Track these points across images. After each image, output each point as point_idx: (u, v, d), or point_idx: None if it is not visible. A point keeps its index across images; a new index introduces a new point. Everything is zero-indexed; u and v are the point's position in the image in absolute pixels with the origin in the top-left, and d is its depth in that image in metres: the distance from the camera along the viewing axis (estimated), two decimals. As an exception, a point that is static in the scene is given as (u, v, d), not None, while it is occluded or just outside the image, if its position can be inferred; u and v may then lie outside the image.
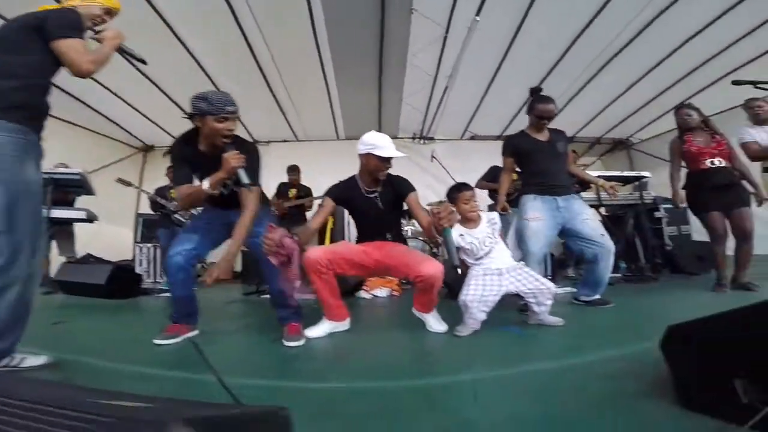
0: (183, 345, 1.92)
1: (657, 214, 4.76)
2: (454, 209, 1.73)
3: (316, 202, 4.78)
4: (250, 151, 1.97)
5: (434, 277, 1.95)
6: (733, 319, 0.90)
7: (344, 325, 2.17)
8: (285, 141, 7.05)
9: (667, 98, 5.66)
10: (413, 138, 7.01)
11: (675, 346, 1.03)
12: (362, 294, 3.55)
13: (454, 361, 1.61)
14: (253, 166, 1.94)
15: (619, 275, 4.01)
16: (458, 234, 2.05)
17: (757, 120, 3.01)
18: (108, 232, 6.33)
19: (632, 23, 4.34)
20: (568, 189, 2.60)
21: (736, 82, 2.39)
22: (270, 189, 5.15)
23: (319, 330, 2.07)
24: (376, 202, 2.23)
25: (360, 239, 2.34)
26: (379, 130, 6.94)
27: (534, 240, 2.48)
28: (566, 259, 4.93)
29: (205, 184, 1.86)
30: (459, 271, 1.78)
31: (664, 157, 6.24)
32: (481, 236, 2.06)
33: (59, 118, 5.47)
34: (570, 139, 7.04)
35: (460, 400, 1.15)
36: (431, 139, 6.97)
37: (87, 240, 5.58)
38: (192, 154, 1.99)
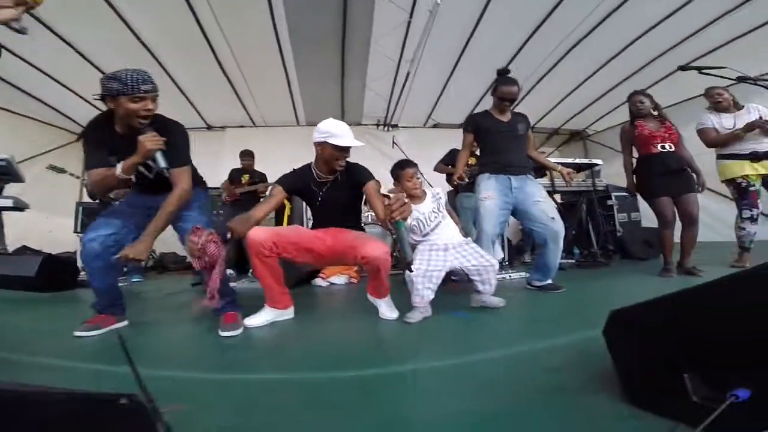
0: (108, 336, 1.78)
1: (609, 202, 4.96)
2: (407, 201, 1.64)
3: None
4: (173, 131, 1.85)
5: (378, 259, 1.88)
6: (679, 303, 0.81)
7: (288, 313, 2.07)
8: (241, 126, 6.75)
9: (621, 91, 5.84)
10: (377, 125, 6.94)
11: (618, 333, 0.94)
12: (318, 282, 3.44)
13: (399, 350, 1.54)
14: (178, 146, 1.85)
15: (572, 261, 4.13)
16: None
17: (717, 108, 3.13)
18: (50, 224, 5.90)
19: (589, 17, 4.43)
20: (523, 170, 2.62)
21: (682, 68, 2.45)
22: (224, 176, 4.96)
23: (260, 318, 1.95)
24: (332, 191, 2.13)
25: (315, 227, 2.22)
26: (342, 117, 6.92)
27: (486, 219, 2.49)
28: (523, 245, 5.04)
29: (118, 169, 1.72)
30: (412, 268, 1.70)
31: (616, 148, 6.58)
32: (427, 211, 2.04)
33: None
34: (531, 127, 7.29)
35: (397, 392, 1.08)
36: (395, 126, 6.93)
37: (24, 232, 5.20)
38: (108, 136, 1.81)
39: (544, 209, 2.51)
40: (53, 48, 4.29)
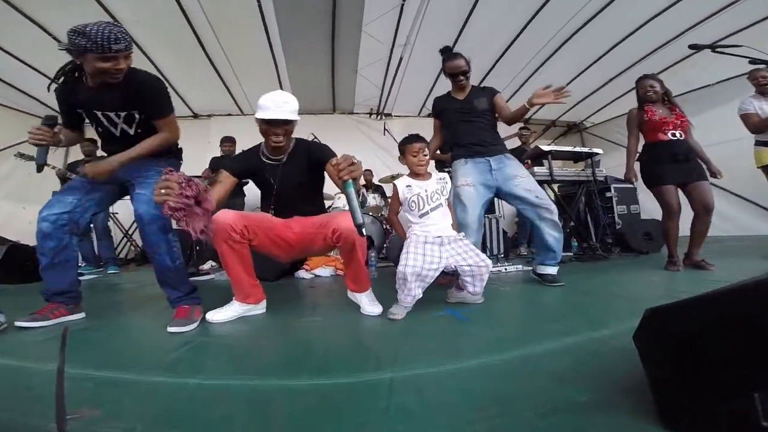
0: (56, 329, 1.61)
1: (608, 194, 4.81)
2: (356, 161, 1.41)
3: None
4: (147, 84, 1.69)
5: (352, 231, 1.67)
6: (743, 298, 0.62)
7: (259, 308, 1.87)
8: (228, 115, 6.51)
9: (619, 83, 5.82)
10: (370, 114, 6.74)
11: (654, 338, 0.73)
12: (302, 274, 3.24)
13: (375, 354, 1.28)
14: (155, 101, 1.72)
15: (570, 254, 3.96)
16: (405, 185, 1.89)
17: (761, 91, 2.98)
18: (28, 214, 5.66)
19: (588, 5, 4.30)
20: (497, 149, 2.42)
21: (693, 46, 2.29)
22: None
23: (225, 313, 1.75)
24: (288, 172, 1.91)
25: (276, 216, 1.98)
26: (334, 106, 6.73)
27: (468, 206, 2.30)
28: (519, 238, 4.89)
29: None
30: (363, 231, 1.47)
31: (614, 141, 6.50)
32: (430, 190, 1.87)
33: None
34: (527, 119, 7.12)
35: (364, 409, 0.87)
36: (388, 115, 6.73)
37: (3, 223, 5.02)
38: (75, 91, 1.68)
39: (529, 187, 2.33)
40: (28, 35, 4.06)
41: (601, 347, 1.16)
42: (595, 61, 5.46)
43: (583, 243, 4.03)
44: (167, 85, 5.21)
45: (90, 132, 1.98)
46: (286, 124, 1.80)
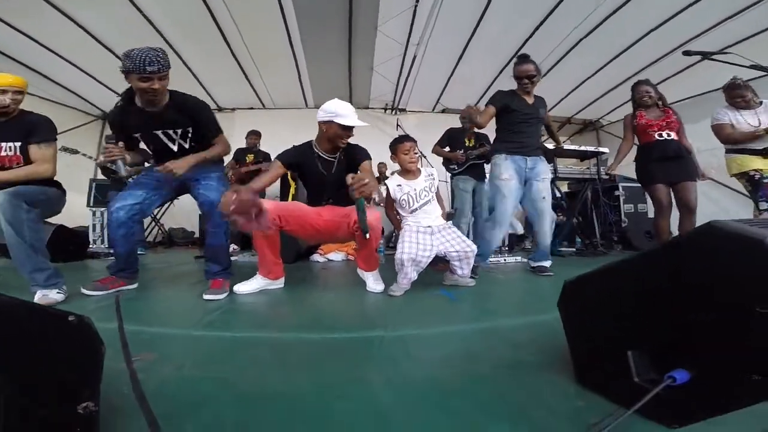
0: (113, 296, 1.92)
1: (616, 192, 4.90)
2: (368, 181, 1.69)
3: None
4: (195, 109, 2.02)
5: (370, 224, 1.93)
6: (624, 271, 0.75)
7: (277, 283, 2.16)
8: (251, 108, 6.81)
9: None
10: (384, 109, 6.92)
11: (571, 306, 0.87)
12: (316, 257, 3.52)
13: (373, 319, 1.59)
14: (206, 121, 2.05)
15: (572, 249, 4.11)
16: (396, 185, 2.11)
17: (737, 106, 2.98)
18: (66, 199, 6.08)
19: (605, 3, 4.29)
20: (537, 151, 2.70)
21: (686, 53, 2.41)
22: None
23: (249, 286, 2.04)
24: (332, 169, 2.17)
25: (310, 204, 2.27)
26: (350, 100, 6.92)
27: (509, 199, 2.54)
28: (526, 232, 5.03)
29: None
30: (367, 235, 1.80)
31: (630, 139, 6.49)
32: (419, 188, 2.09)
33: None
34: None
35: (362, 356, 1.12)
36: (402, 110, 6.89)
37: None
38: (127, 114, 1.96)
39: (540, 188, 2.59)
40: (65, 31, 4.39)
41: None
42: (613, 59, 5.39)
43: (586, 239, 4.17)
44: (195, 79, 5.49)
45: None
46: (352, 129, 2.11)
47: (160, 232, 5.87)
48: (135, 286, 2.17)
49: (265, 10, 4.36)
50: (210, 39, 4.85)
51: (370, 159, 2.18)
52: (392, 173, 2.28)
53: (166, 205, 4.74)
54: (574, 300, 0.89)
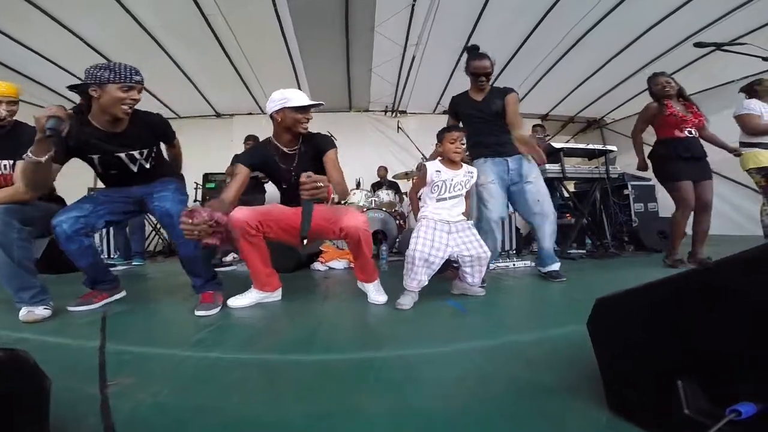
0: (100, 311, 1.87)
1: (625, 191, 4.76)
2: (322, 185, 1.56)
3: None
4: (157, 122, 1.97)
5: (358, 229, 1.84)
6: (676, 289, 0.65)
7: (275, 295, 2.04)
8: (250, 114, 6.74)
9: (641, 78, 5.56)
10: (384, 112, 6.83)
11: (603, 326, 0.77)
12: (317, 266, 3.40)
13: (375, 336, 1.45)
14: (168, 131, 2.03)
15: (582, 251, 3.98)
16: (435, 169, 1.98)
17: (763, 99, 2.98)
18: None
19: (603, 1, 4.23)
20: (516, 149, 2.43)
21: (698, 44, 2.31)
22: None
23: (245, 300, 1.92)
24: (293, 162, 2.01)
25: (285, 204, 2.12)
26: (349, 103, 6.84)
27: (492, 201, 2.40)
28: (533, 234, 4.91)
29: (29, 155, 1.59)
30: (304, 242, 1.67)
31: (635, 137, 6.37)
32: (456, 180, 1.98)
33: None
34: (544, 116, 7.05)
35: (362, 381, 0.99)
36: (403, 112, 6.79)
37: None
38: (86, 133, 1.78)
39: (532, 190, 2.41)
40: (56, 35, 4.33)
41: (582, 339, 1.25)
42: (616, 56, 5.32)
43: (596, 241, 4.03)
44: (192, 86, 5.45)
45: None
46: (309, 111, 1.93)
47: (160, 241, 5.79)
48: (123, 294, 2.08)
49: (260, 14, 4.31)
50: (206, 46, 4.81)
51: (335, 147, 2.03)
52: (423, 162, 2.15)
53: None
54: (607, 319, 0.78)
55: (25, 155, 1.60)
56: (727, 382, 0.58)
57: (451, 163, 2.02)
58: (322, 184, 1.56)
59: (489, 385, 0.93)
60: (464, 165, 2.05)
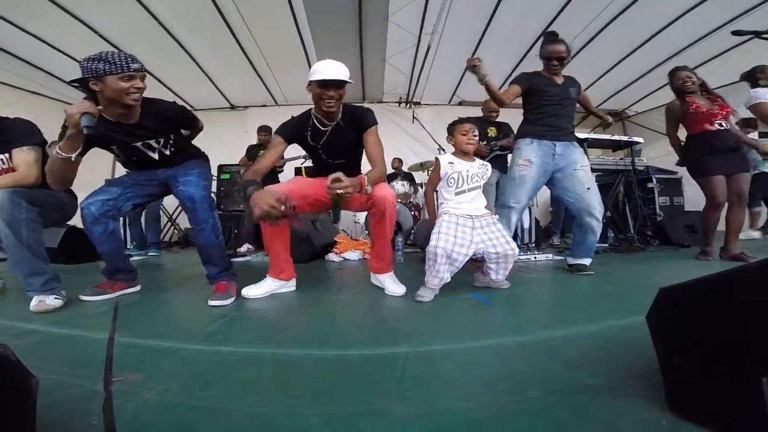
0: (114, 302, 1.80)
1: (649, 185, 4.59)
2: (347, 187, 1.53)
3: (290, 164, 4.52)
4: (171, 109, 1.89)
5: (385, 198, 1.77)
6: (759, 279, 0.58)
7: (289, 285, 1.99)
8: (264, 106, 6.72)
9: (663, 71, 5.37)
10: (399, 103, 6.74)
11: (667, 319, 0.70)
12: (331, 257, 3.35)
13: (396, 330, 1.34)
14: (183, 118, 1.95)
15: (605, 245, 3.83)
16: (448, 161, 1.91)
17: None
18: (80, 201, 6.12)
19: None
20: (569, 135, 2.43)
21: (736, 32, 2.18)
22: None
23: (260, 289, 1.87)
24: (332, 140, 1.95)
25: (314, 174, 2.10)
26: (363, 95, 6.76)
27: (521, 187, 2.34)
28: (552, 227, 4.77)
29: (55, 150, 1.59)
30: (338, 221, 1.63)
31: (658, 130, 6.13)
32: (472, 171, 1.90)
33: (22, 89, 5.31)
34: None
35: (383, 379, 0.91)
36: (417, 104, 6.69)
37: None
38: (103, 129, 1.72)
39: (581, 178, 2.31)
40: (73, 31, 4.37)
41: (621, 334, 1.15)
42: (639, 47, 5.17)
43: (620, 234, 3.88)
44: (207, 78, 5.45)
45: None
46: (340, 87, 1.81)
47: (176, 232, 5.81)
48: (137, 288, 2.04)
49: (274, 5, 4.26)
50: (219, 37, 4.79)
51: (376, 123, 1.93)
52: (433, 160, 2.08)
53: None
54: (672, 312, 0.69)
55: (54, 151, 1.59)
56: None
57: (464, 155, 1.94)
58: (343, 191, 1.52)
59: (524, 385, 0.84)
60: (476, 159, 1.98)
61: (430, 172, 2.08)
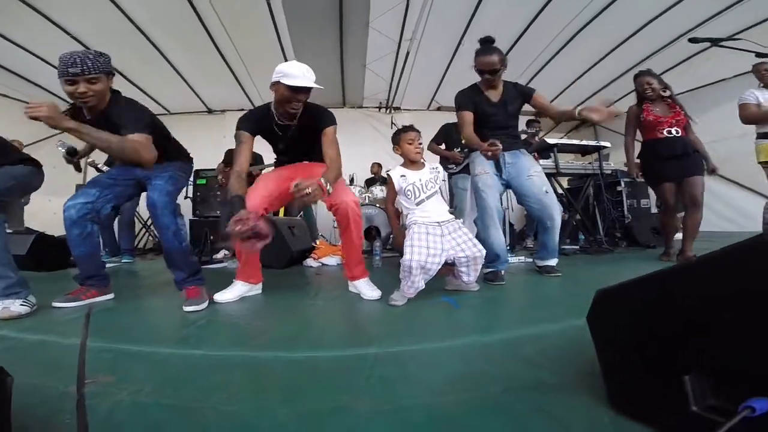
0: (86, 309, 1.77)
1: (618, 188, 4.78)
2: (309, 191, 1.54)
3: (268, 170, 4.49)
4: (125, 108, 1.81)
5: (347, 204, 1.82)
6: (682, 278, 0.63)
7: (257, 288, 2.03)
8: (241, 110, 6.61)
9: (631, 78, 5.61)
10: (378, 108, 6.80)
11: (604, 320, 0.74)
12: (309, 262, 3.36)
13: (367, 332, 1.41)
14: (130, 118, 1.76)
15: (576, 247, 3.98)
16: (399, 175, 1.95)
17: (765, 83, 2.91)
18: (53, 206, 5.91)
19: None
20: (514, 144, 2.43)
21: (692, 40, 2.30)
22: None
23: (231, 293, 1.90)
24: (296, 136, 2.00)
25: (279, 165, 2.16)
26: (343, 100, 6.78)
27: (488, 191, 2.35)
28: (526, 230, 4.91)
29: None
30: (316, 242, 1.63)
31: (628, 134, 6.38)
32: (425, 179, 1.94)
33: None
34: (538, 112, 7.03)
35: (351, 379, 0.95)
36: (397, 109, 6.77)
37: (30, 214, 5.24)
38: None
39: (537, 183, 2.34)
40: (48, 35, 4.27)
41: (579, 334, 1.21)
42: (609, 53, 5.33)
43: (590, 236, 4.04)
44: (183, 82, 5.37)
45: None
46: (308, 92, 1.86)
47: (150, 238, 5.70)
48: (111, 296, 2.01)
49: (253, 9, 4.25)
50: (197, 40, 4.75)
51: (335, 124, 1.97)
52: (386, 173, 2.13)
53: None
54: (608, 313, 0.74)
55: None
56: (742, 379, 0.54)
57: (412, 164, 1.99)
58: (309, 190, 1.54)
59: (485, 383, 0.90)
60: (426, 163, 2.02)
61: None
